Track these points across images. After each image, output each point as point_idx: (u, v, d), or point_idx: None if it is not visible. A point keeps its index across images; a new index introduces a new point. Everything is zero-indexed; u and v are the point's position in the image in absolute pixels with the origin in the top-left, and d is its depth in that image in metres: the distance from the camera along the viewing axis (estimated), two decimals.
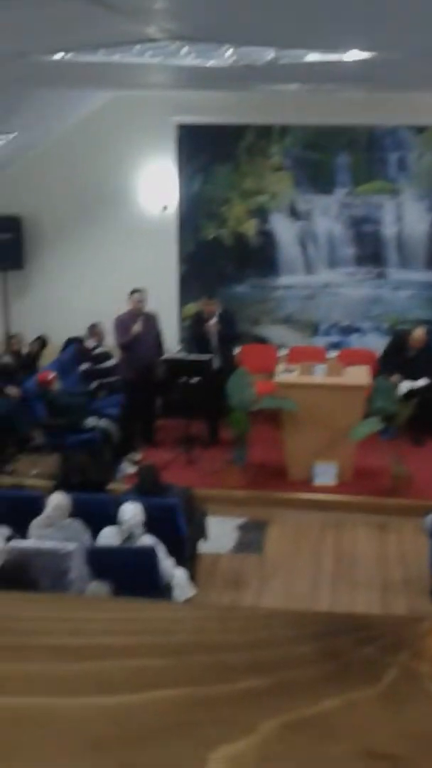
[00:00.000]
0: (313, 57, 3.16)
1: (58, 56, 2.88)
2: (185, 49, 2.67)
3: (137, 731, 0.39)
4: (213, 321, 9.55)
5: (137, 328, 9.35)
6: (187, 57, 2.84)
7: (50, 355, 10.65)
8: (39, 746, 0.38)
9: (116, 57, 2.90)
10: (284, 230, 11.02)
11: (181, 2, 1.74)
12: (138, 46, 2.58)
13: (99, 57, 2.88)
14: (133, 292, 9.53)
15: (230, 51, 2.81)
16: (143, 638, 0.44)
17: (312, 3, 2.07)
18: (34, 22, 2.10)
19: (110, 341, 10.02)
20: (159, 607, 0.48)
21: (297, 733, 0.39)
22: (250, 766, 0.36)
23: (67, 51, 2.79)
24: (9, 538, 6.27)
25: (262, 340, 11.09)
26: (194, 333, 9.84)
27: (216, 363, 9.41)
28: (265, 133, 10.77)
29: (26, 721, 0.39)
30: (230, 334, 9.70)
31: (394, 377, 9.46)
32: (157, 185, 10.88)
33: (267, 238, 11.04)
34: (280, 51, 2.96)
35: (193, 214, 11.00)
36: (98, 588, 5.48)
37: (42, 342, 10.88)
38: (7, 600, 0.49)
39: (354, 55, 3.40)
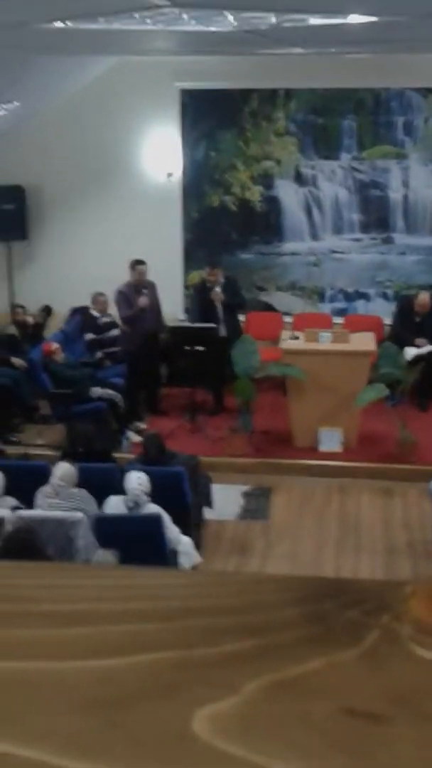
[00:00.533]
0: (315, 20, 3.12)
1: (58, 24, 2.85)
2: (185, 16, 2.65)
3: (127, 692, 0.40)
4: (217, 289, 9.54)
5: (144, 301, 9.33)
6: (188, 23, 2.81)
7: (55, 325, 10.65)
8: (32, 708, 0.40)
9: (116, 25, 2.88)
10: (289, 196, 10.95)
11: None
12: (137, 14, 2.56)
13: (99, 25, 2.85)
14: (138, 263, 9.47)
15: (231, 17, 2.78)
16: (135, 604, 0.46)
17: None
18: None
19: (115, 311, 10.02)
20: (151, 574, 0.49)
21: (279, 692, 0.40)
22: (234, 723, 0.38)
23: (65, 19, 2.76)
24: (15, 508, 6.32)
25: (267, 308, 11.07)
26: (198, 301, 9.82)
27: (221, 331, 9.41)
28: (269, 97, 10.67)
29: (20, 684, 0.41)
30: (235, 302, 9.69)
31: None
32: (161, 152, 10.81)
33: (272, 204, 10.98)
34: (282, 15, 2.92)
35: (198, 180, 10.94)
36: (105, 556, 5.54)
37: (47, 312, 10.89)
38: (5, 569, 0.51)
39: (357, 17, 3.36)
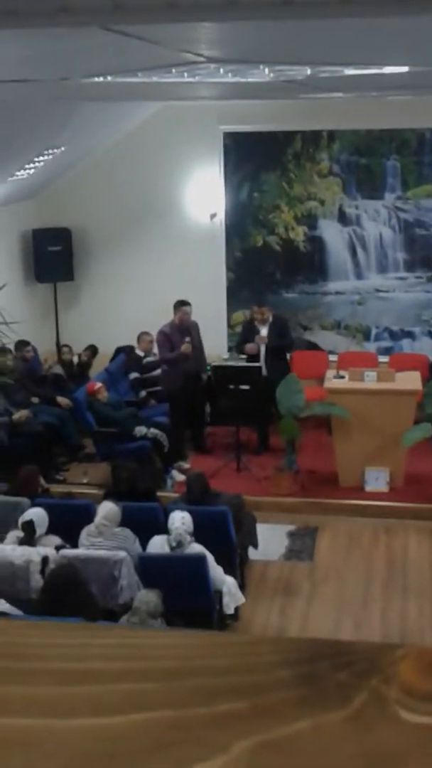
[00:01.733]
0: (351, 71, 3.18)
1: (98, 80, 2.95)
2: (222, 70, 2.72)
3: (124, 750, 0.43)
4: (263, 333, 9.56)
5: (188, 348, 9.32)
6: (225, 76, 2.89)
7: (100, 364, 10.77)
8: (34, 764, 0.42)
9: (155, 78, 2.96)
10: (333, 236, 11.01)
11: (209, 31, 1.78)
12: (174, 69, 2.63)
13: (138, 78, 2.94)
14: (182, 304, 9.54)
15: (267, 70, 2.85)
16: (136, 663, 0.48)
17: (343, 29, 2.09)
18: (70, 52, 2.16)
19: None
20: (153, 634, 0.51)
21: (268, 752, 0.42)
22: None
23: (105, 75, 2.86)
24: (59, 547, 6.37)
25: (311, 346, 11.08)
26: (243, 339, 9.87)
27: (264, 370, 9.42)
28: (313, 139, 10.78)
29: (23, 740, 0.44)
30: (282, 344, 9.66)
31: None
32: (204, 193, 10.96)
33: (316, 244, 11.04)
34: (316, 67, 2.99)
35: (241, 221, 11.06)
36: (147, 596, 5.54)
37: (92, 351, 11.02)
38: (18, 627, 0.54)
39: (392, 68, 3.41)
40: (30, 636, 0.51)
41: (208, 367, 9.82)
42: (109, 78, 2.94)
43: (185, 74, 2.77)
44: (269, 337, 9.61)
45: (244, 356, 9.72)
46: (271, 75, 2.97)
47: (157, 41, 1.89)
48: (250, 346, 9.50)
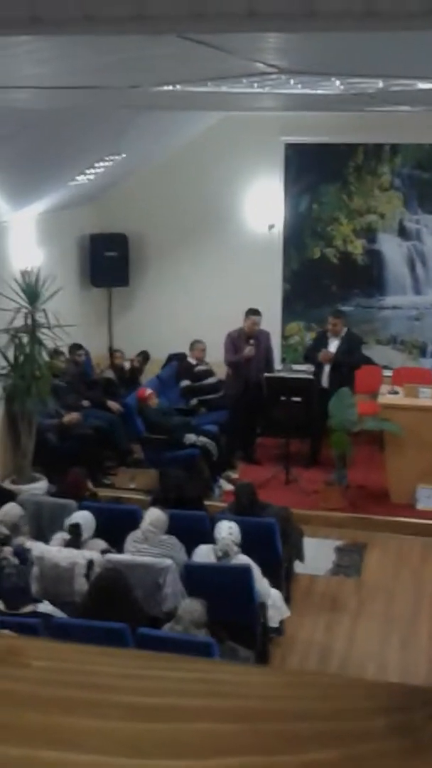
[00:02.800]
0: (424, 85, 3.13)
1: (167, 88, 2.94)
2: (293, 81, 2.69)
3: None
4: (332, 349, 9.48)
5: (249, 351, 9.43)
6: (295, 87, 2.86)
7: (151, 370, 10.79)
8: None
9: (224, 88, 2.95)
10: (392, 250, 10.90)
11: (286, 42, 1.76)
12: (245, 79, 2.62)
13: (207, 88, 2.93)
14: (252, 312, 9.60)
15: (338, 82, 2.82)
16: (214, 701, 0.45)
17: (424, 42, 2.05)
18: (143, 60, 2.16)
19: (214, 358, 10.12)
20: (235, 669, 0.48)
21: None
22: None
23: (174, 84, 2.86)
24: (105, 551, 6.37)
25: (366, 361, 10.95)
26: (313, 348, 9.83)
27: (324, 382, 9.35)
28: (375, 151, 10.70)
29: None
30: (350, 361, 9.55)
31: None
32: (263, 204, 10.93)
33: (374, 257, 10.94)
34: (389, 80, 2.95)
35: (299, 232, 11.01)
36: (192, 605, 5.50)
37: (144, 357, 11.05)
38: (90, 654, 0.51)
39: None
40: (103, 664, 0.48)
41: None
42: (177, 87, 2.93)
43: (255, 85, 2.75)
44: (339, 350, 9.53)
45: (310, 367, 9.64)
46: (342, 87, 2.94)
47: (232, 51, 1.88)
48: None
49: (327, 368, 9.47)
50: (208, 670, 0.48)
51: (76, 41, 1.81)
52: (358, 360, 9.77)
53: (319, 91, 3.14)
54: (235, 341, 9.60)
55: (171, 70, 2.51)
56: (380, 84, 3.03)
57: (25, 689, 0.48)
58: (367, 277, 10.96)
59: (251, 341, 9.53)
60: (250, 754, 0.42)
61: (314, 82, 2.80)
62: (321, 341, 9.74)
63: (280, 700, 0.45)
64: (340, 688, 0.47)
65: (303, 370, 9.67)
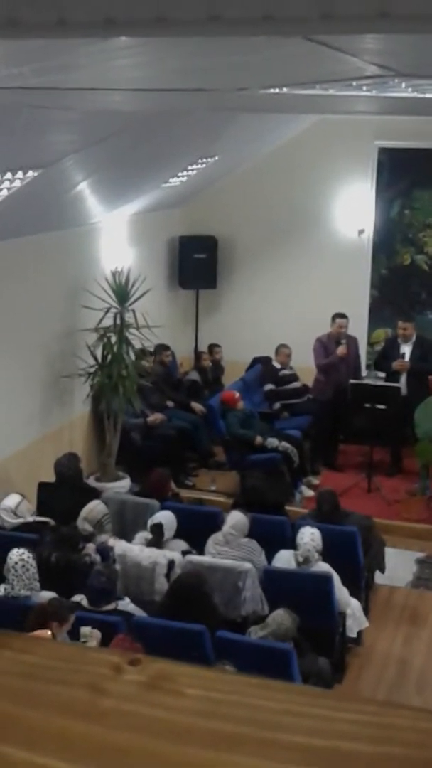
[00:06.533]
0: None
1: (274, 91, 2.92)
2: (404, 84, 2.64)
3: None
4: (405, 360, 9.34)
5: (342, 350, 9.44)
6: (404, 91, 2.81)
7: (236, 373, 10.77)
8: None
9: (331, 91, 2.91)
10: None
11: (406, 43, 1.72)
12: (355, 82, 2.58)
13: (314, 91, 2.90)
14: (339, 316, 9.59)
15: None
16: (389, 748, 0.42)
17: None
18: (259, 62, 2.14)
19: (298, 362, 10.06)
20: (413, 714, 0.45)
21: None
22: None
23: (282, 87, 2.83)
24: (185, 552, 6.39)
25: None
26: (383, 354, 9.71)
27: (405, 390, 9.20)
28: None
29: None
30: (424, 368, 9.40)
31: None
32: (353, 208, 10.81)
33: None
34: None
35: (389, 238, 10.85)
36: (284, 618, 5.47)
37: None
38: (250, 686, 0.49)
39: None
40: (267, 699, 0.46)
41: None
42: (285, 90, 2.91)
43: (363, 88, 2.71)
44: (412, 356, 9.39)
45: (383, 374, 9.54)
46: None
47: (354, 53, 1.84)
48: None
49: (403, 376, 9.32)
50: (384, 714, 0.46)
51: (197, 43, 1.80)
52: None
53: (428, 95, 3.07)
54: (325, 344, 9.57)
55: (283, 73, 2.48)
56: None
57: (182, 720, 0.46)
58: None
59: (343, 341, 9.51)
60: None
61: (425, 85, 2.74)
62: (392, 348, 9.59)
63: None
64: None
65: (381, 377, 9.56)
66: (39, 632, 4.75)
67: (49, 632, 4.84)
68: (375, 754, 0.42)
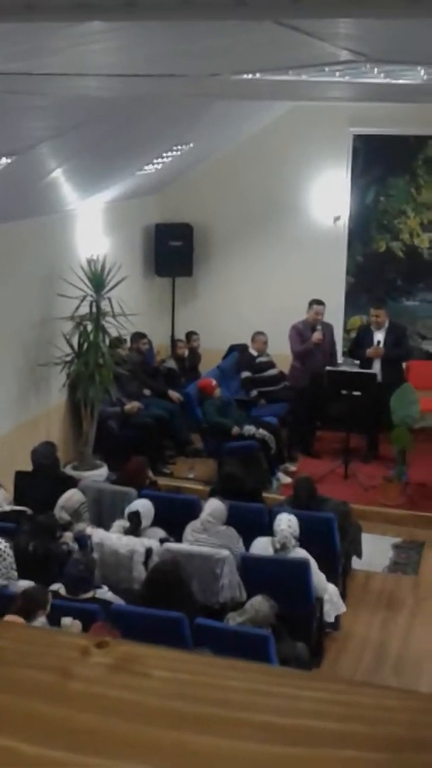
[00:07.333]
0: None
1: (247, 76, 2.91)
2: (376, 70, 2.64)
3: None
4: (380, 346, 9.37)
5: (318, 336, 9.47)
6: (377, 77, 2.81)
7: (212, 361, 10.77)
8: None
9: (304, 77, 2.91)
10: None
11: (377, 28, 1.72)
12: (327, 68, 2.57)
13: (286, 77, 2.89)
14: (315, 303, 9.62)
15: (423, 71, 2.75)
16: (357, 726, 0.42)
17: None
18: (231, 47, 2.13)
19: (275, 350, 10.07)
20: (375, 692, 0.46)
21: None
22: None
23: (254, 72, 2.82)
24: (163, 540, 6.40)
25: (429, 356, 10.79)
26: (356, 342, 9.74)
27: (380, 377, 9.24)
28: None
29: None
30: (397, 355, 9.45)
31: None
32: (329, 195, 10.82)
33: None
34: None
35: (365, 225, 10.88)
36: (261, 605, 5.49)
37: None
38: (216, 667, 0.49)
39: None
40: (233, 679, 0.46)
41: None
42: (257, 75, 2.90)
43: (336, 73, 2.71)
44: (386, 343, 9.43)
45: (357, 361, 9.59)
46: (426, 77, 2.87)
47: (325, 38, 1.84)
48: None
49: (377, 362, 9.36)
50: (342, 692, 0.46)
51: (169, 27, 1.79)
52: (407, 351, 9.69)
53: (401, 81, 3.08)
54: (300, 332, 9.59)
55: (256, 58, 2.47)
56: None
57: (149, 702, 0.46)
58: None
59: (318, 326, 9.55)
60: None
61: (398, 71, 2.74)
62: (365, 335, 9.61)
63: (427, 728, 0.42)
64: None
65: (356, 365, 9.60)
66: (9, 617, 4.76)
67: (21, 619, 4.83)
68: (340, 731, 0.43)
